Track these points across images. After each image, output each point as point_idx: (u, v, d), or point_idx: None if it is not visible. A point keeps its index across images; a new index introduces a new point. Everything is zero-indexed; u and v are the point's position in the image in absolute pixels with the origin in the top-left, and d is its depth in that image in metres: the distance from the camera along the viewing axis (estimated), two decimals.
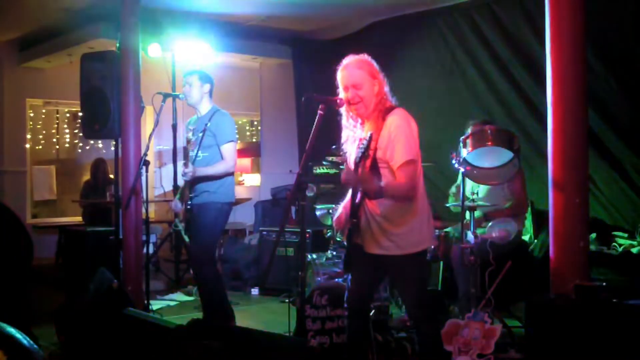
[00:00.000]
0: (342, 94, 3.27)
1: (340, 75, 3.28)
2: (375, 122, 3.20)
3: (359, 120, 3.31)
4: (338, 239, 4.97)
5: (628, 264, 4.90)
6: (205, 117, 4.79)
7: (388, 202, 3.20)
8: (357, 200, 3.20)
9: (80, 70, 5.44)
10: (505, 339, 4.08)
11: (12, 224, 4.09)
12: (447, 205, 4.85)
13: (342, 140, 3.39)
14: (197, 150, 4.72)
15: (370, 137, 3.06)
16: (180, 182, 5.04)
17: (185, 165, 4.69)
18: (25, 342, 1.66)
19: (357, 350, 3.47)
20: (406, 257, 3.20)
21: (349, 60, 3.29)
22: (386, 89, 3.28)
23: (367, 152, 3.06)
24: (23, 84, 8.80)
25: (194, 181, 4.71)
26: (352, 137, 3.32)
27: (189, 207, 4.72)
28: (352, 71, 3.24)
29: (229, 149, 4.71)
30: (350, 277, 3.46)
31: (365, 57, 3.31)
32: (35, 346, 1.65)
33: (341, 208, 3.44)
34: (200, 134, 4.73)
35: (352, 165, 3.21)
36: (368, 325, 3.59)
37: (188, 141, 4.82)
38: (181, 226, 4.86)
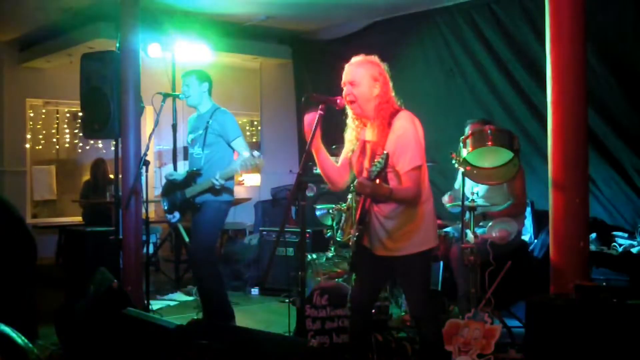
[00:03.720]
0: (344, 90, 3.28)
1: (344, 71, 3.29)
2: (381, 127, 3.18)
3: (362, 121, 3.31)
4: (338, 239, 4.97)
5: (628, 264, 4.90)
6: (206, 115, 4.81)
7: (394, 204, 3.20)
8: (366, 206, 3.20)
9: (80, 70, 5.45)
10: (505, 339, 4.07)
11: (14, 224, 4.09)
12: (447, 206, 4.85)
13: (346, 139, 3.38)
14: (200, 148, 4.74)
15: (387, 157, 3.02)
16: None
17: (221, 176, 4.60)
18: (20, 341, 1.65)
19: (359, 349, 3.47)
20: (411, 257, 3.22)
21: (356, 57, 3.30)
22: (391, 93, 3.26)
23: (383, 172, 3.03)
24: (23, 84, 8.80)
25: (196, 178, 4.73)
26: (355, 137, 3.32)
27: (193, 203, 4.73)
28: (353, 68, 3.25)
29: (241, 143, 4.75)
30: (355, 277, 3.46)
31: (373, 57, 3.30)
32: (30, 345, 1.65)
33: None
34: (202, 132, 4.74)
35: (355, 168, 3.22)
36: (370, 325, 3.60)
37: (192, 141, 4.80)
38: (176, 216, 4.86)
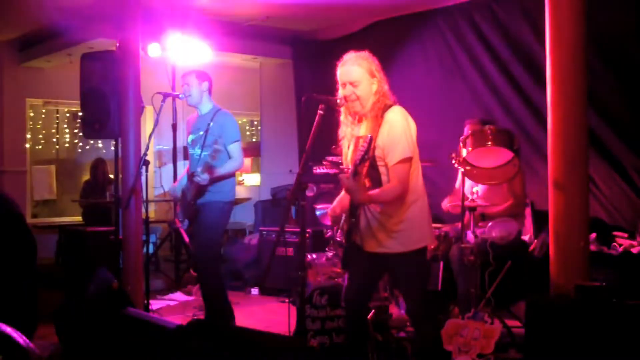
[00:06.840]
0: (340, 90, 3.27)
1: (339, 72, 3.28)
2: (374, 120, 3.20)
3: (357, 117, 3.31)
4: (338, 239, 4.97)
5: (628, 264, 4.90)
6: (207, 116, 4.80)
7: None
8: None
9: (80, 70, 5.44)
10: (505, 339, 4.08)
11: (13, 222, 4.08)
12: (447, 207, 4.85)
13: (340, 137, 3.40)
14: (200, 149, 4.73)
15: (371, 140, 3.06)
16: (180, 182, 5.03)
17: (202, 171, 4.58)
18: (21, 341, 1.65)
19: (357, 349, 3.47)
20: (407, 254, 3.21)
21: (348, 56, 3.29)
22: (385, 87, 3.27)
23: (366, 155, 3.06)
24: (23, 84, 8.79)
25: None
26: (350, 133, 3.32)
27: (192, 203, 4.73)
28: (350, 68, 3.24)
29: (237, 148, 4.73)
30: (347, 275, 3.46)
31: (365, 54, 3.30)
32: (31, 345, 1.65)
33: (336, 201, 3.43)
34: (202, 133, 4.74)
35: (350, 166, 3.21)
36: (366, 324, 3.59)
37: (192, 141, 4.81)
38: (185, 224, 4.85)
